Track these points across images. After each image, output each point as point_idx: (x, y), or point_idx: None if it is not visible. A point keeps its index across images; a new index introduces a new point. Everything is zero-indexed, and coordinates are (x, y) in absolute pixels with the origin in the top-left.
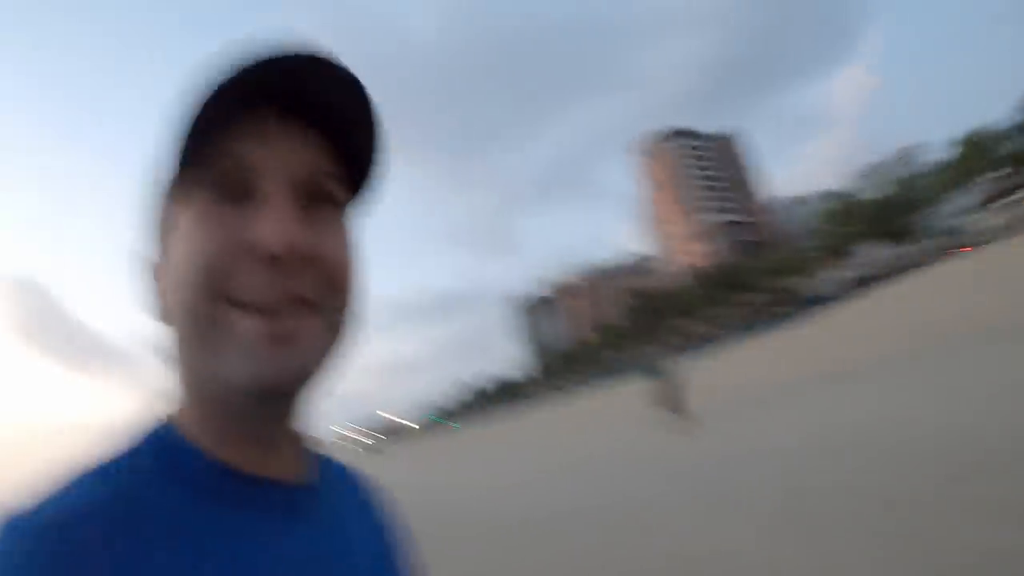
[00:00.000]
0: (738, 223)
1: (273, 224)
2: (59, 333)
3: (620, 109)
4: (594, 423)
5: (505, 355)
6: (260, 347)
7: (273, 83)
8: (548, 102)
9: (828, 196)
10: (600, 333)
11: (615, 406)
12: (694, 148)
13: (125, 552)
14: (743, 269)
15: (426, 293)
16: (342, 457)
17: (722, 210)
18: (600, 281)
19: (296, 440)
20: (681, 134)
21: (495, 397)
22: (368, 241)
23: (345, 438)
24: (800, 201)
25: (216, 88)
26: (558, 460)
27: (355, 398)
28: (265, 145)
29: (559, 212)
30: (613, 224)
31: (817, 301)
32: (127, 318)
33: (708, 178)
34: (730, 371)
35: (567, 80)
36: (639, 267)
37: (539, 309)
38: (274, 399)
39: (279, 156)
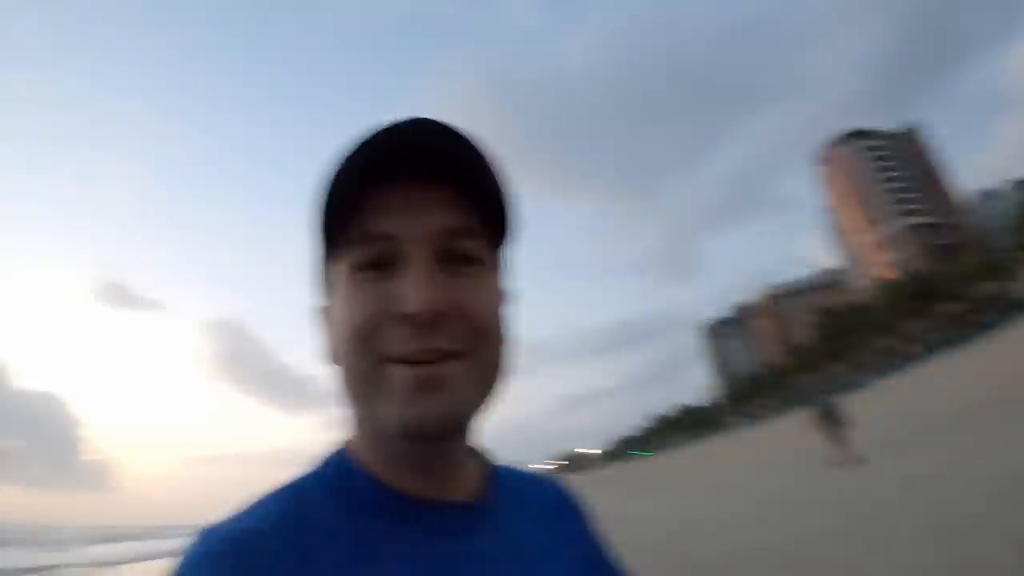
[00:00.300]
0: (930, 225)
1: (412, 288)
2: (257, 370)
3: (793, 116)
4: (767, 454)
5: (693, 381)
6: (408, 394)
7: (399, 153)
8: (717, 118)
9: None
10: (789, 355)
11: (790, 436)
12: (874, 149)
13: (292, 565)
14: (938, 276)
15: (612, 323)
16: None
17: (911, 213)
18: (788, 300)
19: (469, 463)
20: (858, 135)
21: (680, 425)
22: (551, 277)
23: (532, 470)
24: (996, 194)
25: (347, 164)
26: (728, 493)
27: (542, 430)
28: (402, 214)
29: (742, 230)
30: (799, 238)
31: None
32: (316, 358)
33: (892, 179)
34: (916, 392)
35: (734, 93)
36: (828, 282)
37: (726, 332)
38: (424, 441)
39: (415, 223)
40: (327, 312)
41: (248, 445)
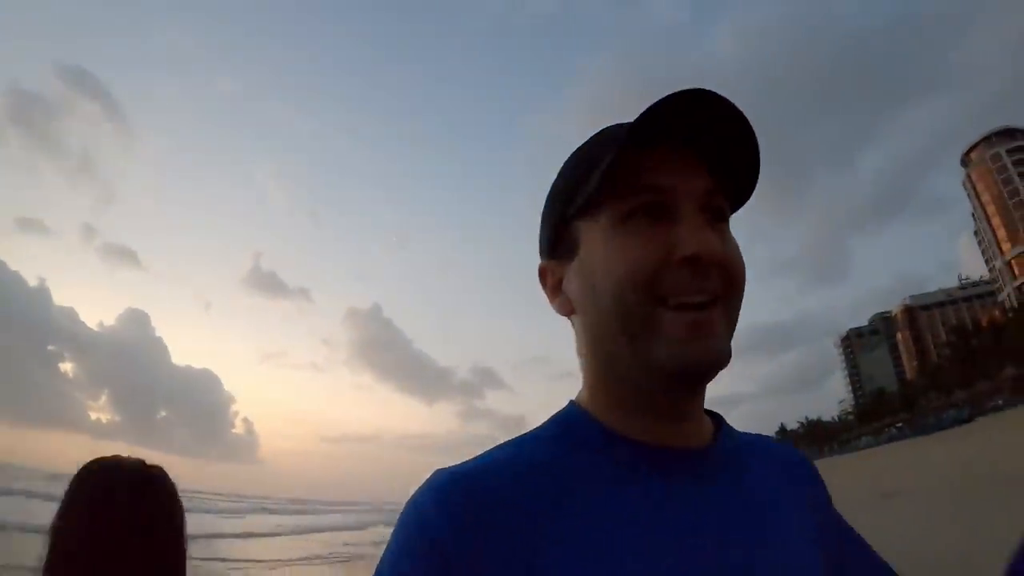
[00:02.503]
0: None
1: (693, 235)
2: (394, 359)
3: (949, 111)
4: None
5: (834, 392)
6: (687, 337)
7: (675, 119)
8: (864, 113)
9: None
10: (921, 374)
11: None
12: (1018, 150)
13: (516, 498)
14: None
15: (754, 327)
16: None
17: None
18: (928, 312)
19: (701, 413)
20: (1005, 135)
21: (803, 440)
22: None
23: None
24: None
25: (632, 128)
26: None
27: None
28: (675, 173)
29: (894, 233)
30: (952, 243)
31: None
32: (455, 347)
33: None
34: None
35: (885, 87)
36: (974, 295)
37: (863, 344)
38: (695, 381)
39: (686, 181)
40: (554, 269)
41: (381, 428)
